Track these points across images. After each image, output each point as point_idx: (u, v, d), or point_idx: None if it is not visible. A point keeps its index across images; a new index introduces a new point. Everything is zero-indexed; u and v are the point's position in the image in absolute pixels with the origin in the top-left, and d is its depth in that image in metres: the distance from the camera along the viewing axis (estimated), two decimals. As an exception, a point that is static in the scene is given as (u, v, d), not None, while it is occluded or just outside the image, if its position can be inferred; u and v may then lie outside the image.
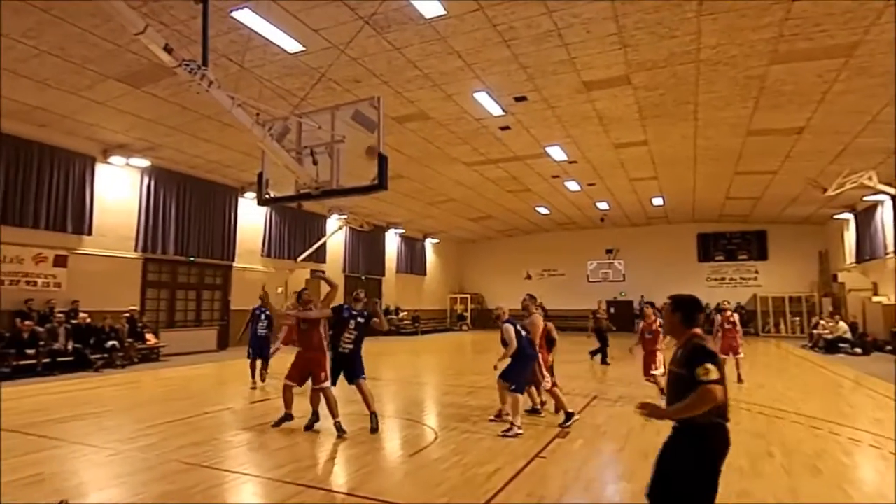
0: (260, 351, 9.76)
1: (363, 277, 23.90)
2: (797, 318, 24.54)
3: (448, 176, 17.69)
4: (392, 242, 26.22)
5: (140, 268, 14.64)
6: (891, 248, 17.52)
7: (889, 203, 17.19)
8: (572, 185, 19.31)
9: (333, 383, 6.47)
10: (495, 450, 5.62)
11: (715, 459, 2.78)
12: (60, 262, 12.46)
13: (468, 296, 31.22)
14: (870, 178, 12.63)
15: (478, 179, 18.22)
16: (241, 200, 17.47)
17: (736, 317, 10.95)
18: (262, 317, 9.85)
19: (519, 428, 6.24)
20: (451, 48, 9.18)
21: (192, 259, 15.85)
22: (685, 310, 3.04)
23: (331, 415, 6.26)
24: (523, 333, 6.66)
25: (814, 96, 10.98)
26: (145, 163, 14.27)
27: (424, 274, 28.85)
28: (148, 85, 10.18)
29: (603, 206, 23.00)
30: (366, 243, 23.82)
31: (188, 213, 15.62)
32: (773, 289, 25.41)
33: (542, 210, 24.02)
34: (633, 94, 11.22)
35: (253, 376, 9.65)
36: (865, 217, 19.63)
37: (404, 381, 9.35)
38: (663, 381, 8.60)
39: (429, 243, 29.43)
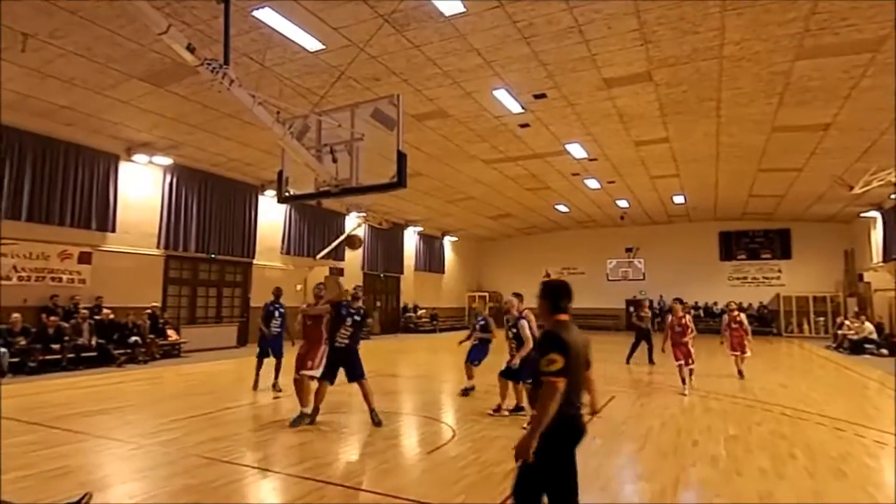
0: (273, 350, 9.22)
1: (382, 275, 24.02)
2: (821, 319, 23.98)
3: (467, 174, 17.66)
4: (411, 240, 26.28)
5: (162, 265, 14.92)
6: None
7: (920, 201, 16.69)
8: (592, 183, 19.12)
9: (331, 381, 6.62)
10: (512, 447, 5.58)
11: (564, 449, 2.80)
12: (85, 258, 12.76)
13: (486, 294, 31.17)
14: (896, 176, 12.30)
15: (497, 177, 18.16)
16: (261, 198, 17.67)
17: (742, 316, 11.35)
18: (276, 314, 9.35)
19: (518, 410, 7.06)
20: (471, 46, 9.15)
21: (213, 256, 16.09)
22: (551, 296, 2.99)
23: (301, 403, 6.58)
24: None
25: (840, 92, 10.70)
26: (168, 161, 14.52)
27: (443, 272, 28.87)
28: (170, 84, 10.36)
29: (623, 203, 22.74)
30: (385, 241, 23.91)
31: (209, 210, 15.86)
32: (796, 288, 24.86)
33: (562, 208, 23.84)
34: (655, 91, 11.06)
35: (257, 378, 9.04)
36: (893, 215, 19.08)
37: (423, 378, 9.37)
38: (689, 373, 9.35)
39: (447, 241, 29.44)
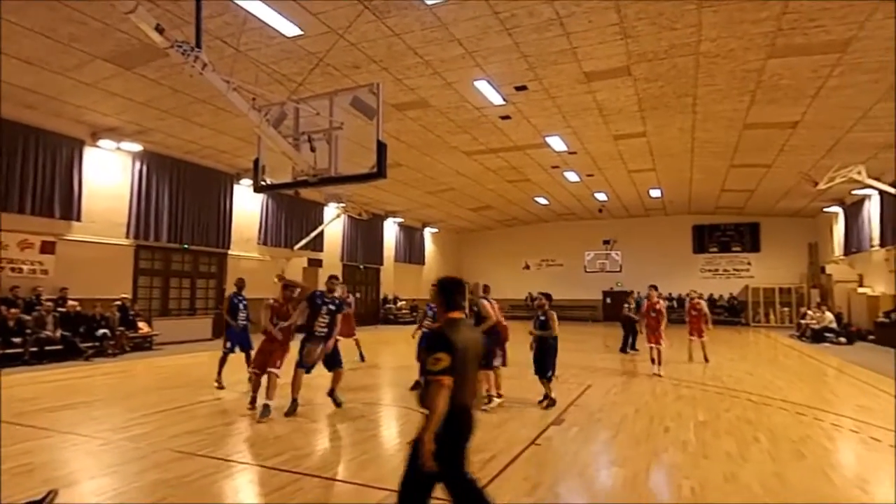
0: (242, 343, 8.84)
1: (361, 266, 23.86)
2: (786, 309, 24.81)
3: (447, 165, 17.61)
4: (391, 231, 26.15)
5: (132, 255, 14.52)
6: (876, 242, 17.74)
7: (876, 197, 17.35)
8: (571, 176, 19.29)
9: (308, 370, 6.69)
10: (492, 437, 5.65)
11: (453, 445, 2.82)
12: (48, 248, 12.32)
13: (467, 286, 31.25)
14: (859, 173, 12.75)
15: (477, 169, 18.16)
16: (236, 187, 17.32)
17: (702, 304, 12.33)
18: (241, 305, 8.93)
19: (498, 397, 7.17)
20: (452, 35, 9.09)
21: (186, 246, 15.74)
22: (445, 293, 3.01)
23: (267, 396, 6.50)
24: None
25: (808, 91, 11.00)
26: (137, 147, 14.08)
27: (423, 263, 28.82)
28: (139, 66, 10.01)
29: (601, 197, 23.02)
30: (364, 232, 23.74)
31: (182, 199, 15.47)
32: (764, 280, 25.63)
33: (542, 200, 24.01)
34: (634, 86, 11.18)
35: (220, 373, 8.58)
36: (853, 211, 19.83)
37: (403, 369, 9.37)
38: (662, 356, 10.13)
39: (427, 233, 29.38)
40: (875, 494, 4.29)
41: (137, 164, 14.36)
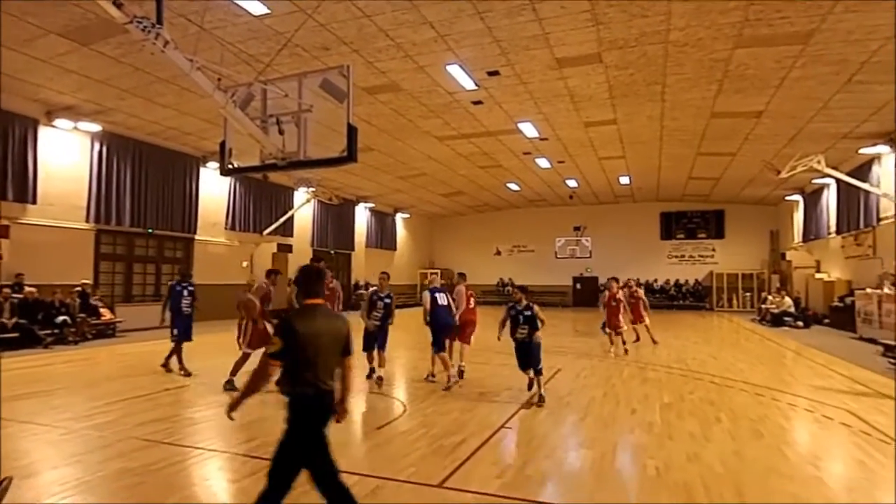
0: (186, 331, 8.65)
1: (332, 252, 23.60)
2: (748, 294, 25.71)
3: (419, 150, 17.49)
4: (362, 216, 25.91)
5: (92, 239, 14.01)
6: (833, 229, 18.49)
7: (834, 186, 18.04)
8: (543, 163, 19.41)
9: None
10: (462, 421, 5.73)
11: (306, 427, 2.95)
12: (1, 232, 11.77)
13: (438, 271, 31.28)
14: (818, 162, 13.18)
15: (449, 154, 18.09)
16: (203, 170, 16.84)
17: (640, 291, 13.07)
18: (185, 293, 8.77)
19: (452, 377, 7.59)
20: (424, 18, 8.96)
21: (150, 231, 15.27)
22: (300, 282, 3.14)
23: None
24: (441, 301, 7.91)
25: (773, 81, 11.28)
26: (96, 127, 13.49)
27: (395, 249, 28.70)
28: (96, 42, 9.54)
29: (572, 183, 23.26)
30: (335, 217, 23.45)
31: (145, 182, 14.96)
32: (728, 266, 26.46)
33: (513, 186, 24.12)
34: (605, 73, 11.27)
35: (181, 361, 8.46)
36: (812, 199, 20.60)
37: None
38: (620, 338, 11.01)
39: (399, 218, 29.22)
40: (826, 470, 4.53)
41: (97, 145, 13.79)
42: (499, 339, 7.19)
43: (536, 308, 6.85)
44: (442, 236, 32.62)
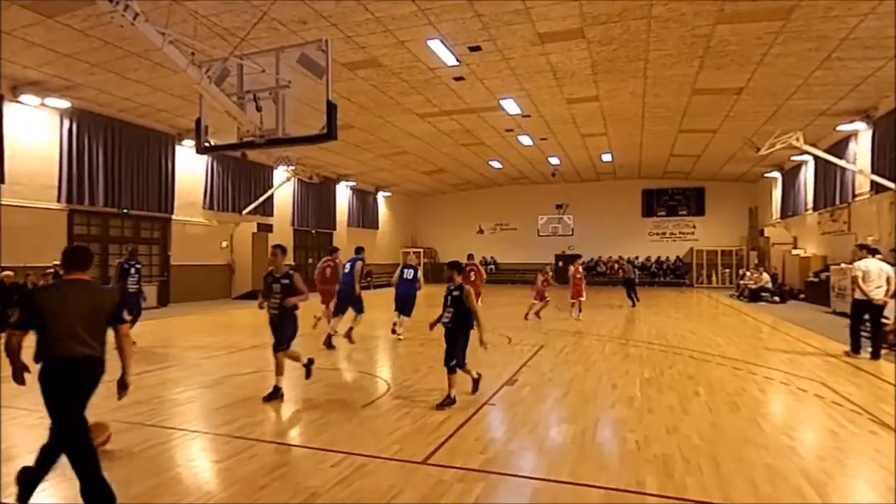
0: (130, 309, 8.55)
1: (314, 231, 23.38)
2: (727, 270, 26.22)
3: (400, 127, 17.26)
4: (343, 195, 25.64)
5: (65, 220, 13.63)
6: (810, 206, 18.86)
7: (811, 164, 18.33)
8: (525, 140, 19.33)
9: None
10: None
11: (50, 393, 3.16)
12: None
13: (421, 250, 31.29)
14: (797, 139, 13.35)
15: (431, 131, 17.90)
16: (179, 149, 16.42)
17: (581, 269, 13.95)
18: (133, 270, 9.10)
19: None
20: (404, -10, 8.74)
21: (125, 211, 14.90)
22: (63, 260, 3.36)
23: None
24: (407, 276, 9.93)
25: (753, 58, 11.31)
26: (64, 104, 12.99)
27: (377, 227, 28.55)
28: (62, 14, 9.11)
29: (554, 161, 23.25)
30: (315, 196, 23.15)
31: (119, 161, 14.54)
32: (708, 243, 26.91)
33: (495, 164, 24.03)
34: (587, 49, 11.17)
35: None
36: (791, 176, 20.94)
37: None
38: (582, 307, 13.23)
39: (381, 196, 28.99)
40: (800, 440, 4.68)
41: (66, 122, 13.31)
42: (431, 327, 6.03)
43: (468, 292, 5.58)
44: (424, 215, 32.49)
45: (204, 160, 17.47)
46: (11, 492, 3.31)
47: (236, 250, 18.79)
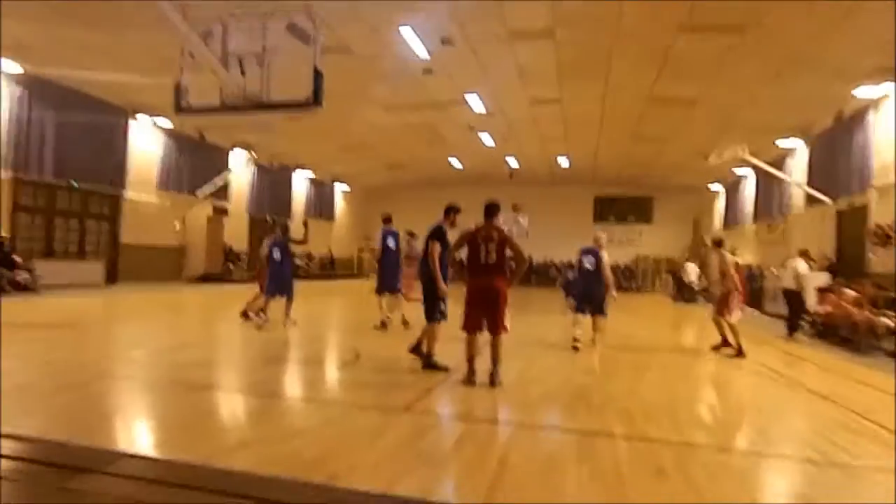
0: None
1: (270, 219, 22.88)
2: (670, 276, 27.61)
3: (364, 118, 17.22)
4: (301, 185, 25.26)
5: (8, 189, 12.83)
6: (750, 218, 20.26)
7: (752, 178, 19.69)
8: (486, 139, 19.74)
9: None
10: (414, 367, 5.87)
11: None
12: None
13: (378, 248, 31.13)
14: (743, 150, 14.37)
15: (394, 124, 17.97)
16: (133, 123, 15.78)
17: None
18: None
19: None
20: (382, -23, 8.86)
21: (75, 185, 14.18)
22: None
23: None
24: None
25: (709, 70, 12.06)
26: (14, 67, 12.26)
27: (333, 219, 28.26)
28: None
29: (513, 162, 23.80)
30: (272, 183, 22.72)
31: (68, 132, 13.80)
32: (653, 250, 28.25)
33: (455, 163, 24.35)
34: (555, 49, 11.60)
35: None
36: (733, 189, 22.39)
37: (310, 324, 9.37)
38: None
39: (338, 189, 28.74)
40: (726, 396, 5.28)
41: (17, 89, 12.57)
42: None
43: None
44: (381, 209, 32.14)
45: (159, 139, 16.88)
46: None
47: (190, 233, 18.19)
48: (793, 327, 9.85)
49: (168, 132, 17.10)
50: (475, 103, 15.51)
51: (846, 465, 3.33)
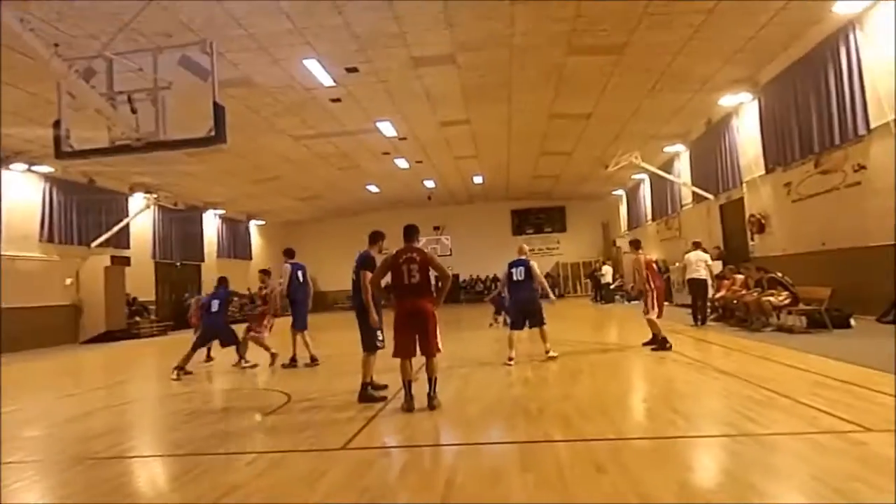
0: None
1: (178, 264, 21.46)
2: (588, 280, 29.06)
3: (274, 150, 16.80)
4: (211, 225, 23.97)
5: None
6: (650, 217, 21.91)
7: (648, 182, 21.38)
8: (401, 163, 19.89)
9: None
10: (349, 400, 5.69)
11: None
12: None
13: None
14: (636, 157, 15.62)
15: (306, 155, 17.66)
16: (6, 174, 14.24)
17: None
18: None
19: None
20: (280, 8, 8.79)
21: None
22: None
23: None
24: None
25: (598, 87, 13.06)
26: None
27: (250, 258, 27.00)
28: None
29: (430, 184, 24.13)
30: (180, 225, 21.35)
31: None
32: (571, 256, 29.63)
33: (372, 188, 24.28)
34: (458, 74, 12.03)
35: None
36: (633, 193, 24.16)
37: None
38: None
39: (254, 225, 27.60)
40: (651, 388, 5.60)
41: None
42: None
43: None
44: (300, 243, 31.08)
45: (39, 187, 15.36)
46: None
47: (85, 288, 16.57)
48: (704, 315, 10.66)
49: (50, 179, 15.61)
50: (387, 129, 15.63)
51: (758, 435, 3.63)
